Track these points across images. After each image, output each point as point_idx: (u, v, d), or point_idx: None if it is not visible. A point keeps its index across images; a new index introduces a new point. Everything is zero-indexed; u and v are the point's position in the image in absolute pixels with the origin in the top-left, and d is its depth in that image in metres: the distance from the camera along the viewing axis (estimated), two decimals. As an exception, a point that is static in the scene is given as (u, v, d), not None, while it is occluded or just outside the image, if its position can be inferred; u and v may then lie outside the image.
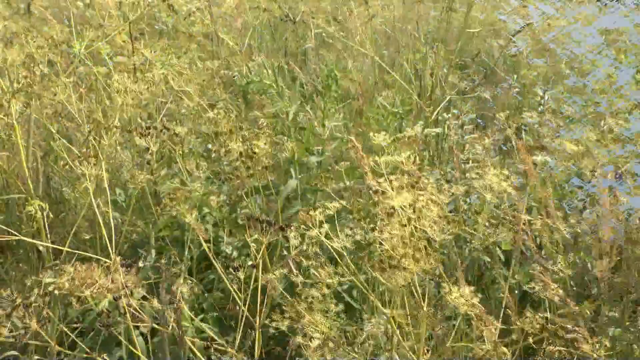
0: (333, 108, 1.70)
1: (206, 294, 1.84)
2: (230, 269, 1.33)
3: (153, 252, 1.94)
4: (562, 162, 1.64)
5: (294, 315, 1.15)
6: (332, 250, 1.12)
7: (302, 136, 1.76)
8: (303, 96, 1.76)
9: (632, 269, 1.65)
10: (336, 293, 1.64)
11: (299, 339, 1.10)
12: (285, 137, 1.81)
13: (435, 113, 1.96)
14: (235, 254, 1.88)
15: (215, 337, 1.33)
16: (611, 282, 1.57)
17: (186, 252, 1.64)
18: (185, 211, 1.37)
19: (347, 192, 1.78)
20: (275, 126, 1.90)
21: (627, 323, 1.61)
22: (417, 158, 1.29)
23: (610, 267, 1.53)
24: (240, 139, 1.49)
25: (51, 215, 1.59)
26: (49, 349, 1.57)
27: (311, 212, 1.14)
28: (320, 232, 1.11)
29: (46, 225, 1.69)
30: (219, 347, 1.29)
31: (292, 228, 1.22)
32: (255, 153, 1.47)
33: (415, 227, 1.01)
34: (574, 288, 1.71)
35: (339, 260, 1.14)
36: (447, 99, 1.96)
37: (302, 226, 1.17)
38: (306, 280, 1.18)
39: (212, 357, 1.32)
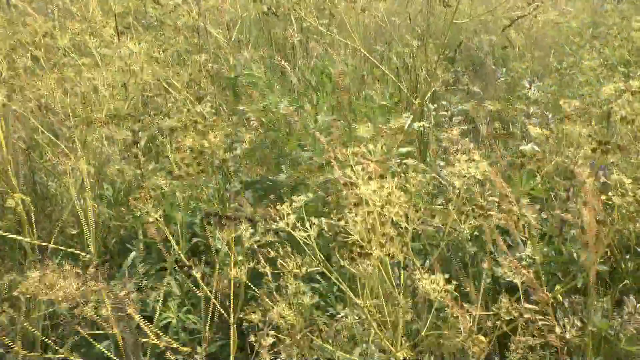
0: (324, 103, 1.69)
1: (189, 290, 1.83)
2: (184, 267, 1.32)
3: (141, 246, 1.93)
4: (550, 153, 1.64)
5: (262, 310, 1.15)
6: (300, 242, 1.11)
7: (293, 130, 1.75)
8: (292, 90, 1.76)
9: (618, 258, 1.66)
10: (309, 285, 1.63)
11: (251, 338, 1.10)
12: (273, 132, 1.80)
13: (421, 103, 1.96)
14: (225, 248, 1.86)
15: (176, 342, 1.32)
16: (597, 271, 1.58)
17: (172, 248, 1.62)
18: (150, 210, 1.33)
19: (330, 185, 1.77)
20: (265, 119, 1.89)
21: (614, 312, 1.61)
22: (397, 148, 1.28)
23: (598, 256, 1.53)
24: (193, 134, 1.44)
25: (32, 208, 1.58)
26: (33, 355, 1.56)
27: (278, 207, 1.13)
28: (287, 224, 1.10)
29: (32, 219, 1.67)
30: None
31: (243, 221, 1.22)
32: (206, 147, 1.42)
33: (381, 215, 1.00)
34: (562, 279, 1.72)
35: (307, 250, 1.13)
36: (432, 90, 1.96)
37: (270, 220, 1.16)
38: (273, 271, 1.18)
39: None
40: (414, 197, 1.07)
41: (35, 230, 1.69)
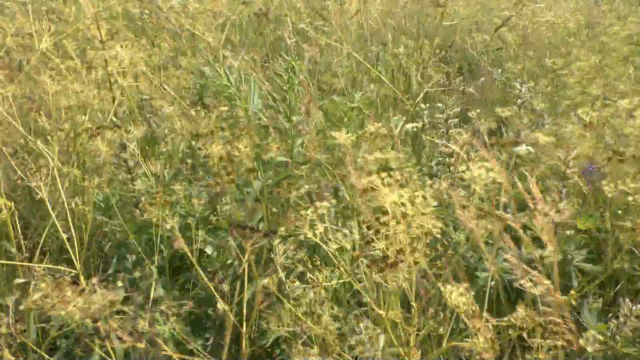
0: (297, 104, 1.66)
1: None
2: (212, 277, 1.31)
3: (133, 255, 1.91)
4: (545, 155, 1.64)
5: (285, 323, 1.13)
6: (328, 253, 1.08)
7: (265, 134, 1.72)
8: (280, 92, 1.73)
9: (613, 259, 1.65)
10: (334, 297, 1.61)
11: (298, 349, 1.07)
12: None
13: (413, 104, 1.95)
14: (215, 254, 1.85)
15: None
16: (592, 272, 1.57)
17: (156, 254, 1.61)
18: (165, 217, 1.32)
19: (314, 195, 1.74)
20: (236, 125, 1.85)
21: (610, 315, 1.61)
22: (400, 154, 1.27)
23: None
24: (221, 141, 1.44)
25: (16, 212, 1.56)
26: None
27: (302, 212, 1.09)
28: (315, 235, 1.06)
29: (17, 225, 1.66)
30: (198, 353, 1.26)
31: (277, 234, 1.20)
32: (235, 156, 1.41)
33: (409, 225, 0.98)
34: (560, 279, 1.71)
35: (335, 262, 1.10)
36: (424, 91, 1.95)
37: (291, 229, 1.14)
38: (301, 286, 1.15)
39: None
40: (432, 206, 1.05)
41: (24, 235, 1.67)
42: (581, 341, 1.12)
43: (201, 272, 1.29)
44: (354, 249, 1.10)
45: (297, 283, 1.17)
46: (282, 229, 1.24)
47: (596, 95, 1.67)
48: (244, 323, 1.26)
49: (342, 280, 1.14)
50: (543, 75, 2.91)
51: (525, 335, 1.06)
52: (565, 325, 1.08)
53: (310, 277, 1.15)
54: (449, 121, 2.34)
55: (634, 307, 1.45)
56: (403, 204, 0.99)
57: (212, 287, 1.28)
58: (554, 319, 1.07)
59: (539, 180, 1.73)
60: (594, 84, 1.91)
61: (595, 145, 1.57)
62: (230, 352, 1.41)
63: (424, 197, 1.01)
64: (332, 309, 1.18)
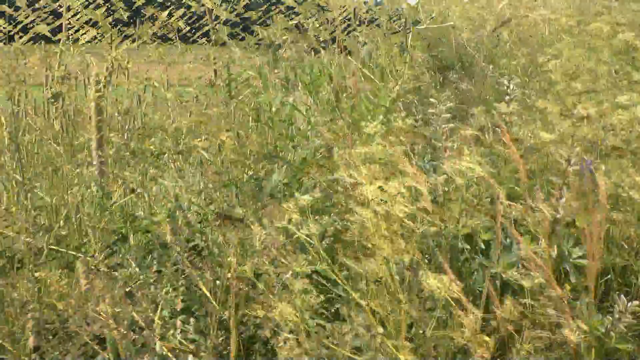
0: (317, 102, 1.68)
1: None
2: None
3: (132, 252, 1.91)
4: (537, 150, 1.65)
5: (266, 308, 1.13)
6: (305, 242, 1.10)
7: (285, 129, 1.74)
8: (286, 89, 1.74)
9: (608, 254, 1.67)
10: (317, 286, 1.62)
11: (266, 333, 1.08)
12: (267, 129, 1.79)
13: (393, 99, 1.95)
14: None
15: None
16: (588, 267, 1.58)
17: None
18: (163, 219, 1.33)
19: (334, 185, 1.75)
20: (258, 118, 1.87)
21: (602, 309, 1.61)
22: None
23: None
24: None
25: (33, 213, 1.56)
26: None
27: (284, 205, 1.12)
28: (291, 222, 1.09)
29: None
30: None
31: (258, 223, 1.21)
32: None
33: (388, 213, 0.99)
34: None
35: (310, 249, 1.12)
36: (397, 85, 1.95)
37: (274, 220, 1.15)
38: (276, 270, 1.16)
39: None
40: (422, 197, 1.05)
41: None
42: (565, 331, 1.12)
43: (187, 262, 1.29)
44: (323, 237, 1.10)
45: (271, 268, 1.17)
46: (265, 220, 1.25)
47: (581, 91, 1.69)
48: (229, 310, 1.26)
49: (316, 267, 1.13)
50: (537, 71, 2.92)
51: (515, 331, 1.07)
52: (558, 317, 1.08)
53: (282, 261, 1.15)
54: (442, 116, 2.35)
55: (629, 304, 1.46)
56: (382, 191, 1.00)
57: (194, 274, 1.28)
58: (542, 310, 1.07)
59: (533, 175, 1.75)
60: (578, 80, 1.92)
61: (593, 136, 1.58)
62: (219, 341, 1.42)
63: (402, 189, 1.02)
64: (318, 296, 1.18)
